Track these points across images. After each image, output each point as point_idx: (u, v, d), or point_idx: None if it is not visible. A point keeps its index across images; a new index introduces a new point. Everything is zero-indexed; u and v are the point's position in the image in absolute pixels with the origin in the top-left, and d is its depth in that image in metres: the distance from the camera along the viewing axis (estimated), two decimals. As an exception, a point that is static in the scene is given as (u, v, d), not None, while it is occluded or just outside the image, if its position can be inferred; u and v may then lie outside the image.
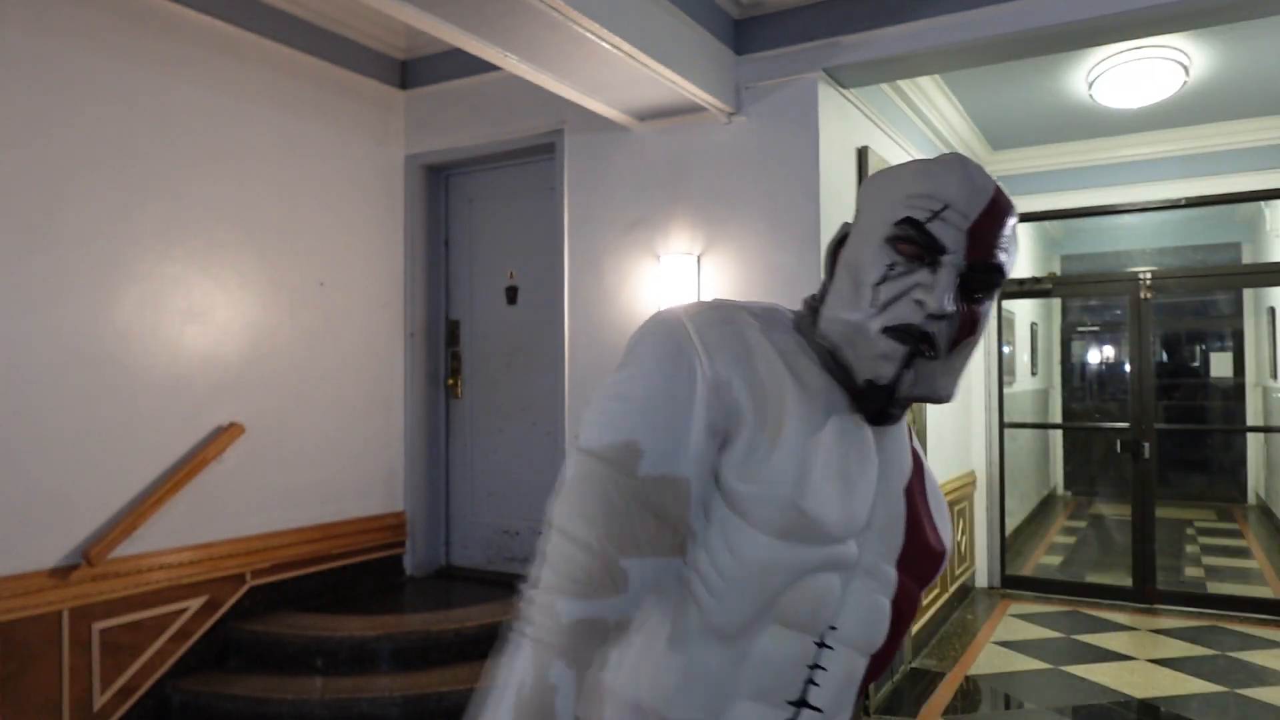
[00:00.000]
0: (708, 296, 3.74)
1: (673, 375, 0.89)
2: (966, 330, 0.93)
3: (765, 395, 0.91)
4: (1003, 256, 0.93)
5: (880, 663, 1.00)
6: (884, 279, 0.92)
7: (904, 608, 0.99)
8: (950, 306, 0.89)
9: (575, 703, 0.87)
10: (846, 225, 1.01)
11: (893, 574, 0.97)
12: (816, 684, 0.92)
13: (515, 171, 4.50)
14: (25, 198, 3.02)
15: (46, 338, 3.07)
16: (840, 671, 0.94)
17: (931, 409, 5.05)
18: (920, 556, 1.00)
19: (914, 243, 0.91)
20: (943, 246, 0.91)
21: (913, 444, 1.08)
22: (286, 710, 3.21)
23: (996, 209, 0.92)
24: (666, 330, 0.91)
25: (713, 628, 0.89)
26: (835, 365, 0.96)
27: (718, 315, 0.93)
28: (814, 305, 1.01)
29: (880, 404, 0.93)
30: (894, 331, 0.91)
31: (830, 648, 0.93)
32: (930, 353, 0.91)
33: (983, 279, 0.92)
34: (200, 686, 3.38)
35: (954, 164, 0.94)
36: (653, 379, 0.89)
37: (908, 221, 0.91)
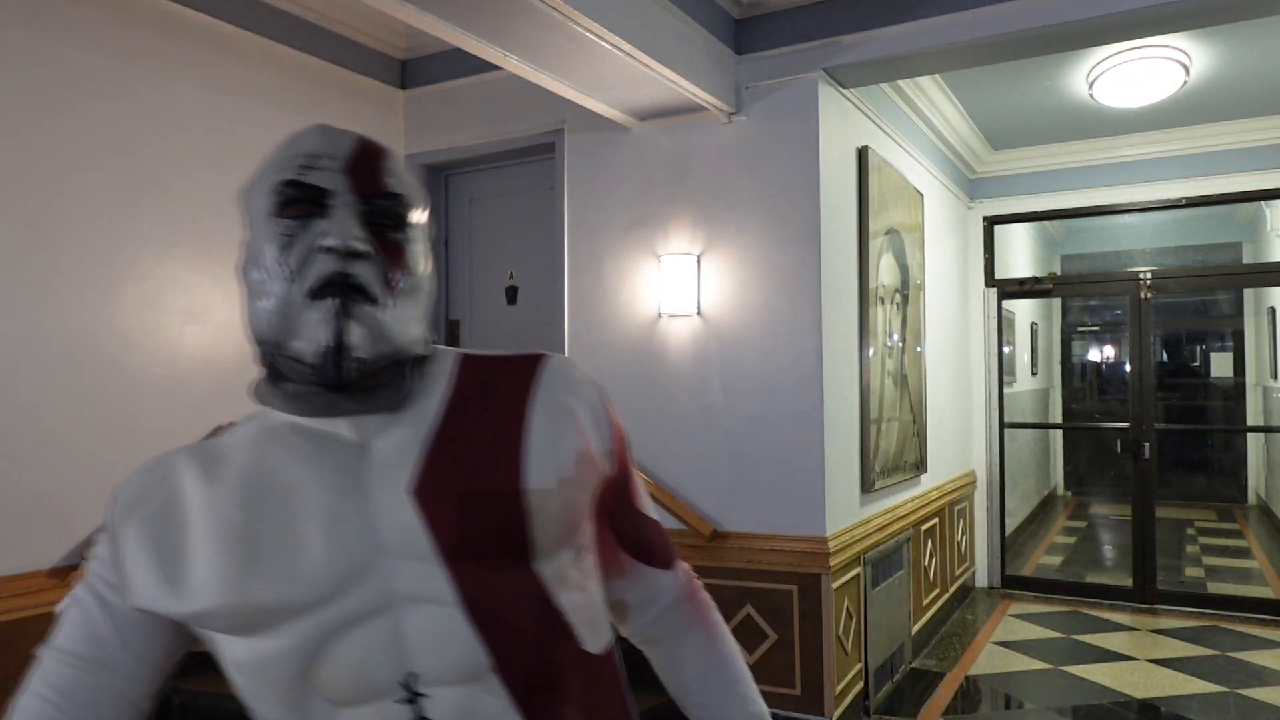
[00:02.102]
0: (707, 296, 3.74)
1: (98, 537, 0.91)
2: (395, 264, 0.87)
3: (175, 526, 0.86)
4: (391, 181, 0.89)
5: (526, 669, 0.85)
6: (285, 247, 0.85)
7: (494, 604, 0.84)
8: (360, 243, 0.84)
9: None
10: (243, 243, 0.93)
11: (443, 583, 0.83)
12: None
13: (515, 171, 4.49)
14: (25, 197, 3.02)
15: (46, 338, 3.06)
16: (453, 714, 0.82)
17: (931, 408, 5.05)
18: (476, 534, 0.84)
19: (297, 200, 0.86)
20: (326, 189, 0.86)
21: (526, 380, 0.93)
22: (286, 710, 3.21)
23: (368, 146, 0.90)
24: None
25: None
26: (291, 379, 0.86)
27: (144, 467, 0.95)
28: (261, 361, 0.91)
29: (336, 370, 0.82)
30: (319, 290, 0.83)
31: (426, 695, 0.82)
32: (365, 298, 0.84)
33: (384, 209, 0.87)
34: (200, 686, 3.38)
35: (310, 127, 0.92)
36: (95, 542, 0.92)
37: (284, 184, 0.86)
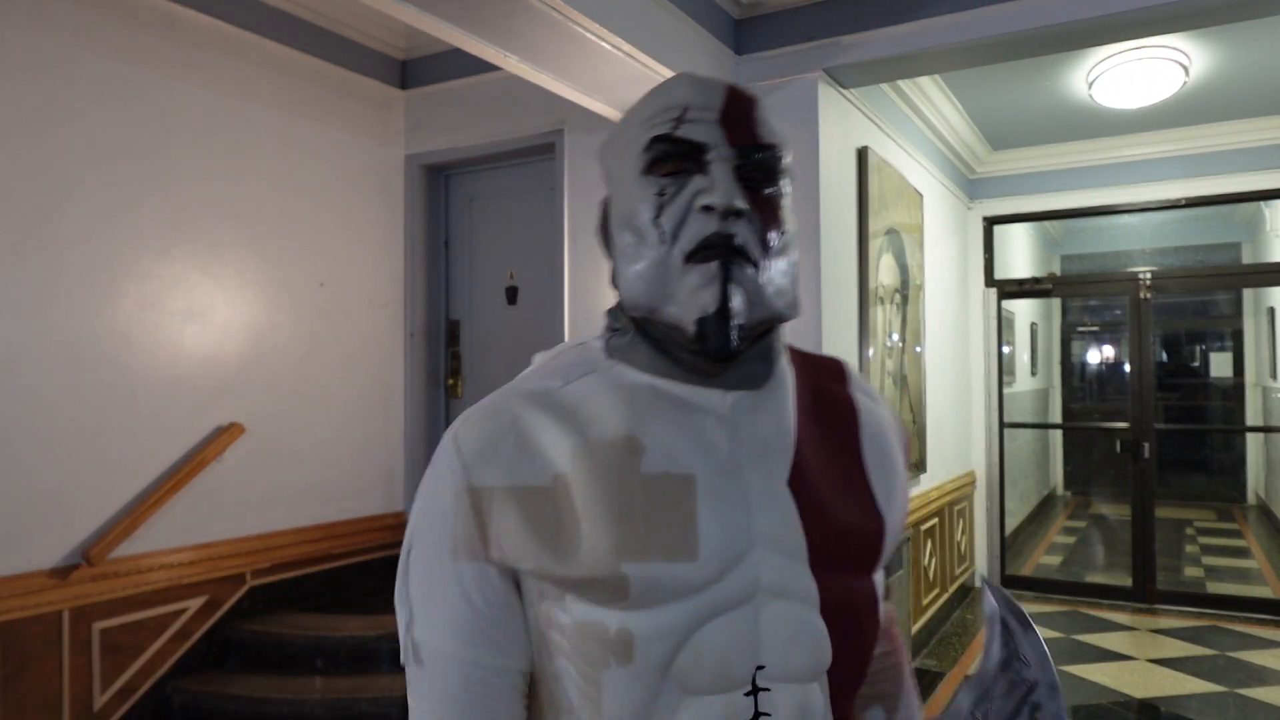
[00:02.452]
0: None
1: (440, 497, 0.84)
2: (770, 222, 0.81)
3: (544, 477, 0.79)
4: (764, 132, 0.83)
5: (850, 674, 0.84)
6: (660, 208, 0.80)
7: (842, 608, 0.81)
8: (740, 201, 0.79)
9: None
10: (604, 202, 0.90)
11: (809, 581, 0.80)
12: None
13: (515, 171, 4.50)
14: (25, 197, 3.02)
15: (46, 337, 3.07)
16: (791, 711, 0.79)
17: (931, 408, 5.05)
18: (841, 543, 0.82)
19: (671, 156, 0.81)
20: (702, 143, 0.80)
21: (846, 392, 0.92)
22: (286, 710, 3.21)
23: (738, 94, 0.84)
24: (437, 452, 0.86)
25: None
26: (663, 343, 0.82)
27: (481, 414, 0.83)
28: (613, 311, 0.88)
29: (722, 338, 0.77)
30: (698, 253, 0.78)
31: (767, 690, 0.78)
32: (746, 259, 0.79)
33: (760, 162, 0.82)
34: (200, 686, 3.38)
35: (676, 77, 0.86)
36: (424, 509, 0.86)
37: (656, 140, 0.81)
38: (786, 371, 0.87)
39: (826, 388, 0.91)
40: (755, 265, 0.80)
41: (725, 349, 0.78)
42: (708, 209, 0.78)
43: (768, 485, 0.80)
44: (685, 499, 0.78)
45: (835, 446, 0.87)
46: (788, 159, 0.86)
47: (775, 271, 0.82)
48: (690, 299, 0.78)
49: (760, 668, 0.78)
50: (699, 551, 0.76)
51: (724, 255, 0.78)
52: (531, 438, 0.80)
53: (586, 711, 0.78)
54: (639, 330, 0.84)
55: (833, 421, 0.88)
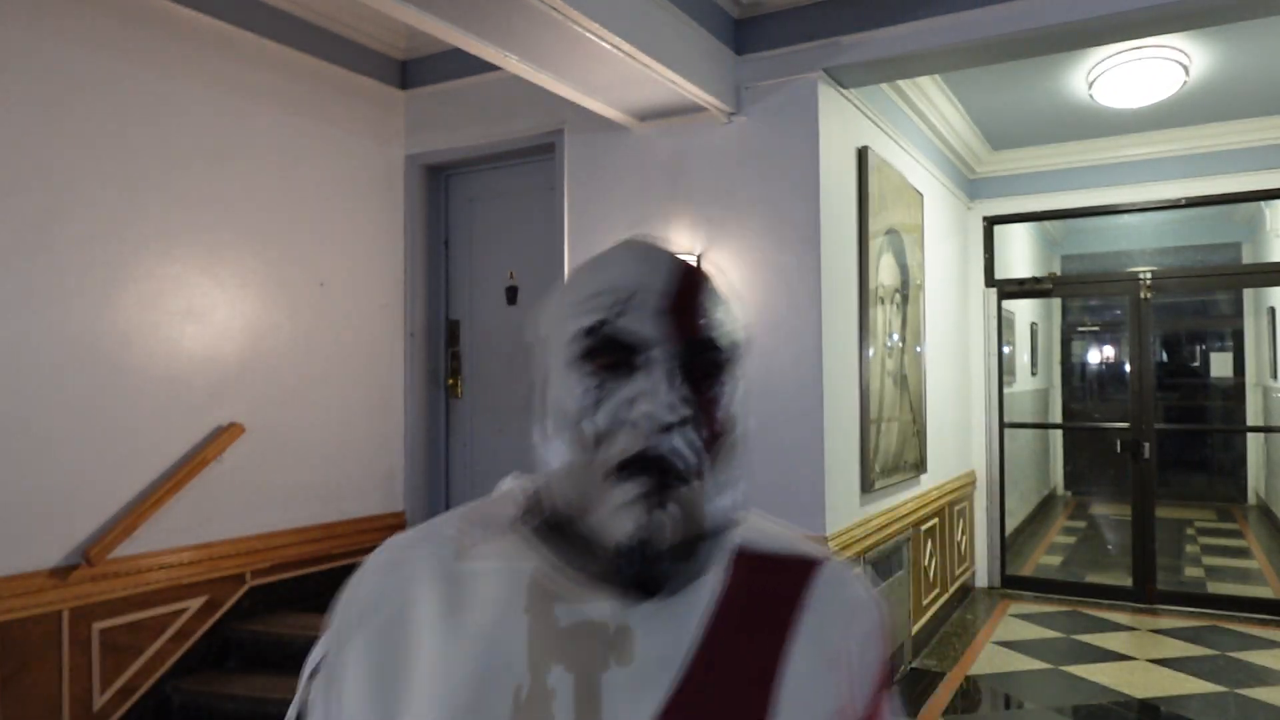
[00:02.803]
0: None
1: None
2: (714, 425, 0.73)
3: (390, 644, 0.74)
4: (716, 322, 0.74)
5: None
6: (587, 410, 0.71)
7: None
8: (682, 409, 0.70)
9: None
10: (539, 366, 0.80)
11: None
12: None
13: (515, 171, 4.49)
14: (25, 197, 3.02)
15: (47, 338, 3.07)
16: None
17: (931, 404, 5.05)
18: None
19: (608, 349, 0.72)
20: (646, 339, 0.71)
21: (796, 594, 0.78)
22: (286, 710, 3.20)
23: (691, 276, 0.75)
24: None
25: None
26: (578, 545, 0.73)
27: (371, 567, 0.80)
28: (536, 485, 0.80)
29: (642, 572, 0.69)
30: (624, 470, 0.69)
31: None
32: (680, 476, 0.70)
33: (707, 359, 0.73)
34: (200, 686, 3.38)
35: (622, 248, 0.77)
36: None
37: (590, 330, 0.72)
38: (707, 579, 0.75)
39: (769, 590, 0.77)
40: (691, 479, 0.71)
41: (644, 584, 0.70)
42: (645, 417, 0.69)
43: (639, 704, 0.70)
44: (555, 709, 0.70)
45: (744, 673, 0.73)
46: (741, 348, 0.77)
47: (718, 478, 0.73)
48: (612, 518, 0.70)
49: None
50: None
51: (657, 475, 0.69)
52: (414, 608, 0.75)
53: None
54: (554, 521, 0.75)
55: (755, 640, 0.74)
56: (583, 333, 0.73)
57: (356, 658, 0.75)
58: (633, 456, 0.69)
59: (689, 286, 0.74)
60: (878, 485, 4.09)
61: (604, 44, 2.96)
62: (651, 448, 0.69)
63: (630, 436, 0.70)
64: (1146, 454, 5.78)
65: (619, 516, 0.69)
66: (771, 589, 0.77)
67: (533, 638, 0.72)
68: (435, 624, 0.73)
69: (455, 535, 0.79)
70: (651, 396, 0.69)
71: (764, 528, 0.83)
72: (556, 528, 0.75)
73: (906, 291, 4.62)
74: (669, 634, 0.73)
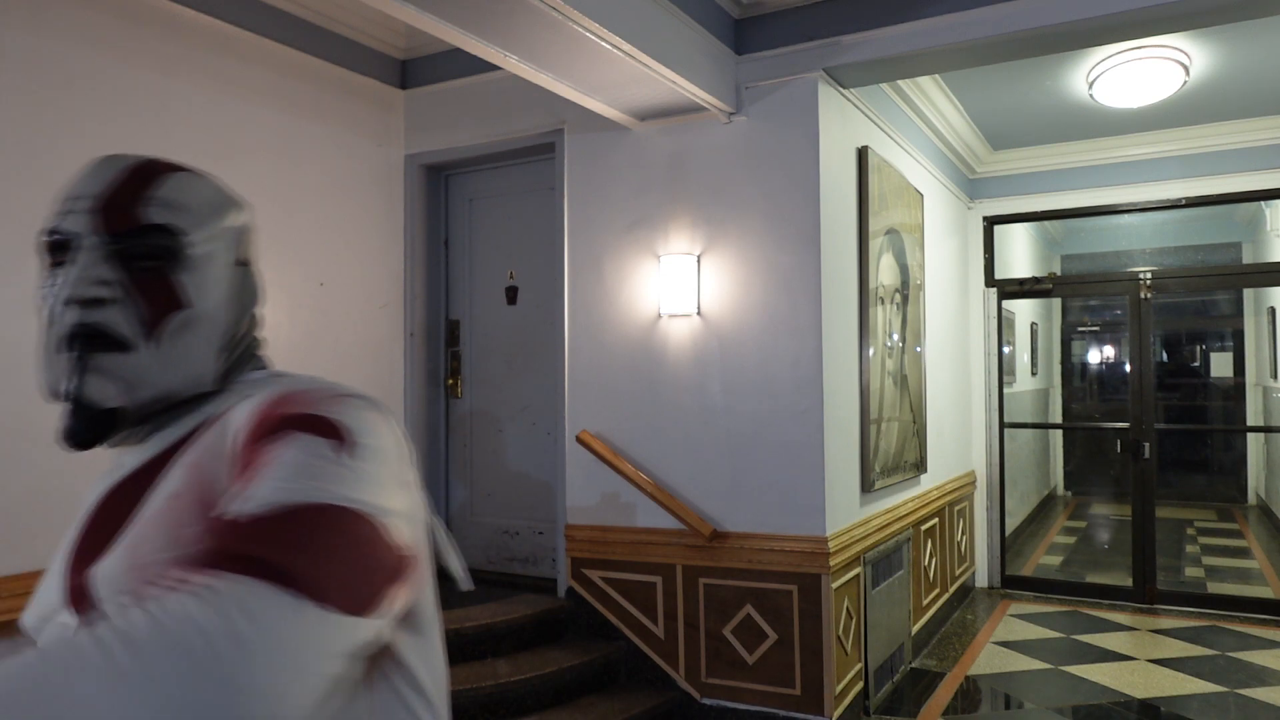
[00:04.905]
0: (707, 297, 3.74)
1: None
2: (160, 304, 0.84)
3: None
4: (153, 213, 0.84)
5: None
6: (45, 299, 0.85)
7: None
8: (90, 289, 0.81)
9: None
10: None
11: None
12: None
13: (515, 171, 4.49)
14: (24, 197, 3.02)
15: (46, 338, 3.06)
16: None
17: (931, 404, 5.05)
18: (74, 608, 0.82)
19: (52, 249, 0.85)
20: (71, 235, 0.83)
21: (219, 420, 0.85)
22: (286, 710, 3.20)
23: (135, 175, 0.87)
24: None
25: None
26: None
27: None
28: None
29: (73, 428, 0.83)
30: (63, 343, 0.82)
31: None
32: (114, 345, 0.82)
33: (138, 244, 0.83)
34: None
35: (92, 162, 0.90)
36: None
37: (42, 234, 0.86)
38: (181, 427, 0.87)
39: (213, 431, 0.85)
40: (126, 348, 0.82)
41: (75, 438, 0.83)
42: (66, 301, 0.81)
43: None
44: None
45: (144, 497, 0.85)
46: (196, 234, 0.86)
47: (168, 349, 0.83)
48: (59, 388, 0.83)
49: None
50: (48, 585, 0.88)
51: (83, 345, 0.81)
52: None
53: None
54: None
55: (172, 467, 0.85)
56: (38, 237, 0.87)
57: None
58: (64, 333, 0.81)
59: (130, 182, 0.86)
60: (878, 485, 4.09)
61: (604, 44, 2.96)
62: (76, 323, 0.81)
63: (65, 314, 0.81)
64: (1146, 454, 5.78)
65: (61, 382, 0.82)
66: (227, 422, 0.84)
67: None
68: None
69: None
70: (71, 281, 0.81)
71: (288, 381, 0.87)
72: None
73: (906, 291, 4.62)
74: (134, 461, 0.88)
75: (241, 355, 0.93)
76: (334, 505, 0.69)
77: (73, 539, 0.86)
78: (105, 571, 0.79)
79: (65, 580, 0.83)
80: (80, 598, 0.81)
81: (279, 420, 0.77)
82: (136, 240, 0.84)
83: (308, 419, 0.76)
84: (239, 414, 0.83)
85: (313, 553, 0.65)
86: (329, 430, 0.75)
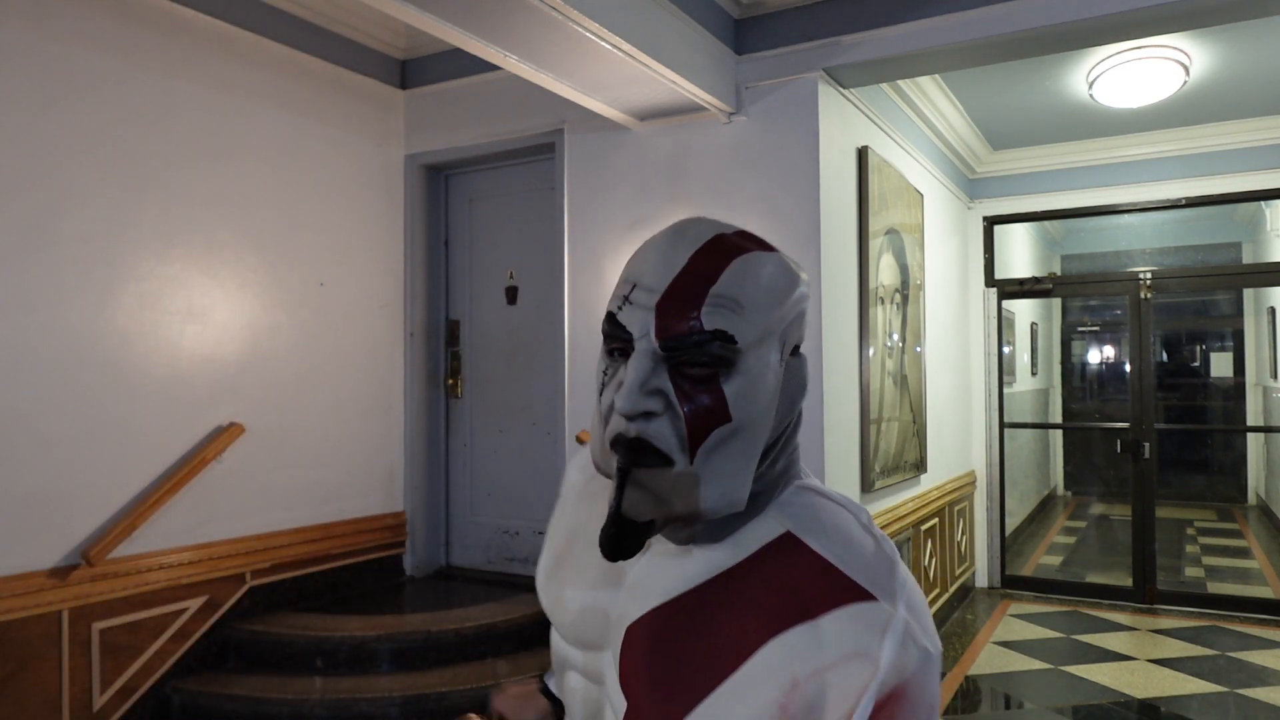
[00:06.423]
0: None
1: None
2: (705, 418, 0.77)
3: (573, 499, 1.01)
4: (709, 316, 0.76)
5: None
6: (601, 387, 0.82)
7: None
8: (641, 403, 0.75)
9: None
10: None
11: (621, 709, 0.81)
12: None
13: (515, 171, 4.49)
14: (24, 197, 3.02)
15: (46, 337, 3.06)
16: None
17: (931, 404, 5.05)
18: (638, 709, 0.79)
19: (614, 335, 0.80)
20: (629, 333, 0.78)
21: (807, 611, 0.76)
22: (286, 710, 3.21)
23: (699, 265, 0.78)
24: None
25: None
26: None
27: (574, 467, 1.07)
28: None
29: (608, 539, 0.78)
30: (613, 445, 0.78)
31: None
32: (658, 459, 0.76)
33: (691, 354, 0.76)
34: (200, 686, 3.38)
35: (660, 235, 0.83)
36: None
37: (606, 319, 0.81)
38: (736, 548, 0.81)
39: (789, 594, 0.77)
40: (669, 464, 0.77)
41: (612, 549, 0.79)
42: (620, 414, 0.77)
43: (623, 617, 0.85)
44: (572, 575, 0.94)
45: (717, 639, 0.78)
46: (755, 334, 0.78)
47: (713, 465, 0.77)
48: (606, 468, 0.82)
49: None
50: (562, 616, 0.94)
51: (624, 457, 0.77)
52: (574, 495, 1.03)
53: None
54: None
55: (746, 619, 0.77)
56: (606, 317, 0.81)
57: (558, 518, 1.03)
58: (613, 438, 0.78)
59: (692, 275, 0.77)
60: (878, 485, 4.09)
61: (604, 44, 2.96)
62: (624, 433, 0.77)
63: (615, 418, 0.78)
64: (1146, 454, 5.78)
65: (607, 465, 0.80)
66: (792, 586, 0.77)
67: (596, 524, 0.92)
68: (575, 492, 1.02)
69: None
70: (627, 391, 0.76)
71: (829, 524, 0.82)
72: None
73: (906, 291, 4.62)
74: (676, 572, 0.82)
75: (782, 466, 0.86)
76: None
77: (627, 615, 0.84)
78: None
79: (617, 661, 0.84)
80: (632, 694, 0.80)
81: None
82: (692, 349, 0.76)
83: None
84: (841, 666, 0.73)
85: None
86: None
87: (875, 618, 0.74)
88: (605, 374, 0.81)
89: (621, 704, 0.81)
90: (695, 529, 0.82)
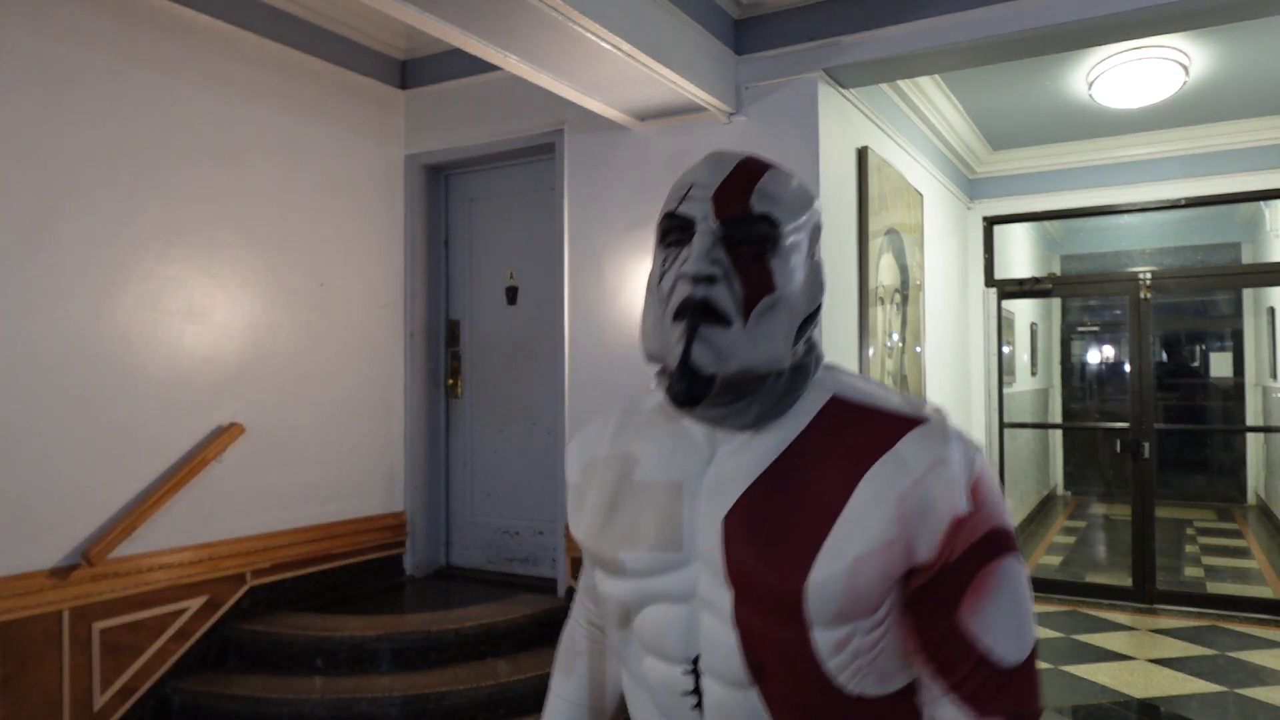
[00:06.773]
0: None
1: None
2: (755, 286, 0.93)
3: (594, 470, 1.09)
4: (757, 203, 0.94)
5: (790, 701, 0.91)
6: (662, 275, 0.96)
7: (764, 644, 0.91)
8: (707, 267, 0.91)
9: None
10: None
11: (727, 605, 0.92)
12: (701, 710, 0.96)
13: (515, 171, 4.49)
14: (26, 198, 3.02)
15: (47, 338, 3.07)
16: (718, 701, 0.94)
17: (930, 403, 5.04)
18: (754, 590, 0.90)
19: (671, 229, 0.97)
20: (694, 217, 0.94)
21: (881, 447, 0.91)
22: (286, 710, 3.21)
23: (743, 169, 0.97)
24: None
25: (619, 657, 1.07)
26: (664, 377, 0.98)
27: (587, 429, 1.16)
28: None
29: (680, 387, 0.91)
30: (678, 314, 0.92)
31: (701, 675, 0.96)
32: (717, 319, 0.91)
33: (744, 231, 0.93)
34: (200, 686, 3.38)
35: (704, 159, 1.00)
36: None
37: (664, 216, 0.97)
38: (790, 423, 0.96)
39: (850, 442, 0.93)
40: (727, 323, 0.91)
41: (684, 396, 0.91)
42: (684, 276, 0.92)
43: (711, 516, 0.95)
44: (639, 507, 1.00)
45: (810, 498, 0.91)
46: (789, 225, 0.96)
47: (757, 328, 0.92)
48: (671, 352, 0.93)
49: (697, 657, 0.96)
50: (634, 548, 0.98)
51: (694, 316, 0.91)
52: (604, 440, 1.11)
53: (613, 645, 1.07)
54: (652, 358, 1.00)
55: (829, 473, 0.92)
56: (661, 218, 0.98)
57: (578, 472, 1.13)
58: (680, 304, 0.92)
59: (741, 175, 0.96)
60: (878, 485, 4.08)
61: (604, 44, 2.96)
62: (690, 296, 0.91)
63: (680, 288, 0.92)
64: (1146, 454, 5.78)
65: (674, 349, 0.92)
66: (858, 436, 0.93)
67: (652, 451, 1.02)
68: (609, 442, 1.09)
69: (618, 413, 1.14)
70: (694, 258, 0.92)
71: (861, 386, 0.99)
72: (661, 371, 0.99)
73: (906, 291, 4.62)
74: (746, 456, 0.95)
75: (808, 348, 1.01)
76: (1036, 647, 0.91)
77: (715, 512, 0.94)
78: (822, 588, 0.88)
79: (723, 554, 0.92)
80: (744, 578, 0.91)
81: (990, 535, 0.90)
82: (744, 227, 0.93)
83: (1008, 539, 0.91)
84: (931, 473, 0.89)
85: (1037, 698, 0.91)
86: (1016, 549, 0.92)
87: (937, 432, 0.91)
88: (664, 264, 0.96)
89: (725, 599, 0.92)
90: (753, 411, 0.95)
